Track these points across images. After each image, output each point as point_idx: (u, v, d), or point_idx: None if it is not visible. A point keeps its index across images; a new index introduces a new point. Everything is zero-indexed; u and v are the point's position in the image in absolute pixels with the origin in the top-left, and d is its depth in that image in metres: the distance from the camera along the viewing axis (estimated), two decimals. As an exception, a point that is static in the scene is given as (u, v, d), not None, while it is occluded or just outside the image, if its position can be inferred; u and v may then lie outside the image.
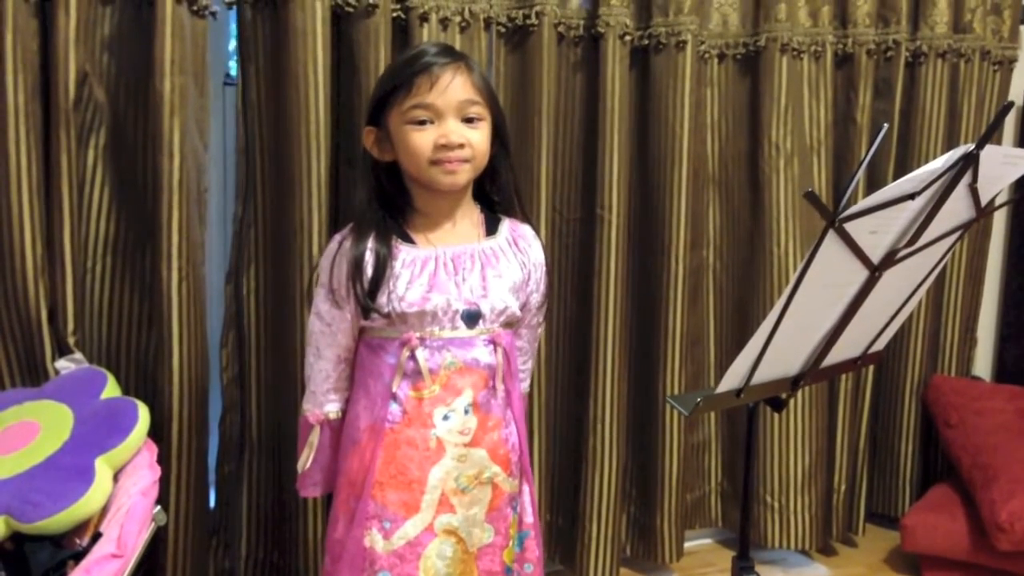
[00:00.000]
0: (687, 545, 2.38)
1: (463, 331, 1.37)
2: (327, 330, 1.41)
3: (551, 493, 2.23)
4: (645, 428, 2.28)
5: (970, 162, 1.09)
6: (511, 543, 1.44)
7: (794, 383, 1.33)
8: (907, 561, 2.39)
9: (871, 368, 2.45)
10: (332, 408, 1.45)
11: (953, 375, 2.61)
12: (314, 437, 1.46)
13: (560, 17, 2.03)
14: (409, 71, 1.33)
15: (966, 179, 1.12)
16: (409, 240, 1.39)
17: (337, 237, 1.41)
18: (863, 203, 1.06)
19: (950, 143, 2.41)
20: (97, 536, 1.36)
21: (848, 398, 2.43)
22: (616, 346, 2.13)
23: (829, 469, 2.44)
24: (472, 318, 1.37)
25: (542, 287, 1.50)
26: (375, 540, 1.35)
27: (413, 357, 1.35)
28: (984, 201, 1.21)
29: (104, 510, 1.40)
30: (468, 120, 1.35)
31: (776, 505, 2.36)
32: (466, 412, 1.37)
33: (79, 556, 1.33)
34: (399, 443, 1.36)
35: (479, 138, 1.36)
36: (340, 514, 1.40)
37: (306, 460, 1.46)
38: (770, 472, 2.36)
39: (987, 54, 2.47)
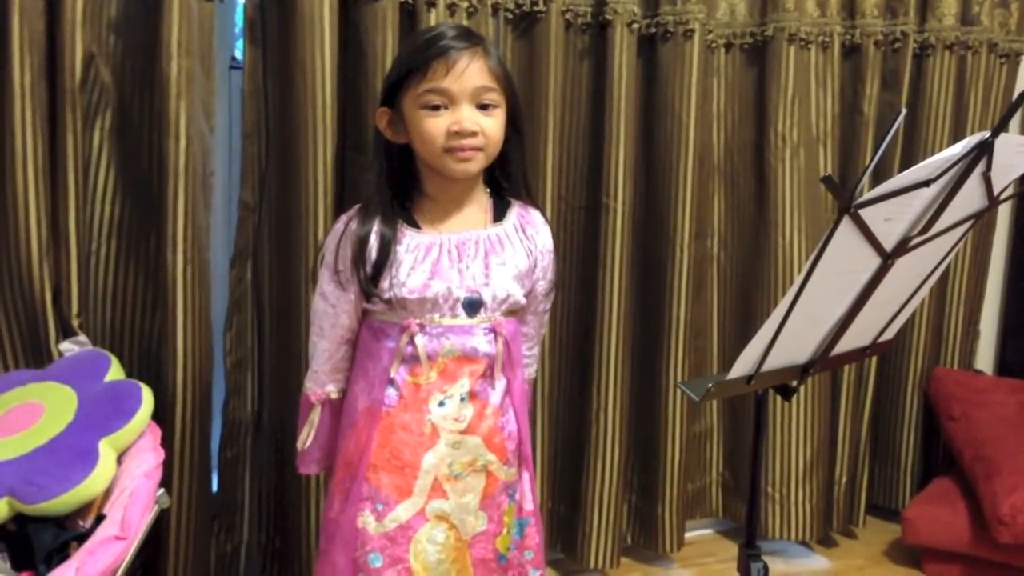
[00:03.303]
0: (688, 535, 2.39)
1: (463, 319, 1.36)
2: (331, 310, 1.40)
3: (553, 481, 2.23)
4: (647, 418, 2.28)
5: (985, 150, 1.08)
6: (506, 530, 1.43)
7: (804, 371, 1.33)
8: (907, 553, 2.39)
9: (874, 360, 2.45)
10: (333, 388, 1.45)
11: (956, 368, 2.61)
12: (314, 416, 1.46)
13: (568, 4, 2.02)
14: (426, 54, 1.30)
15: (980, 167, 1.12)
16: (415, 225, 1.38)
17: (343, 218, 1.40)
18: (879, 189, 1.06)
19: (956, 135, 2.41)
20: (100, 518, 1.36)
21: (850, 390, 2.43)
22: (619, 335, 2.13)
23: (830, 461, 2.44)
24: (473, 306, 1.36)
25: (549, 274, 1.48)
26: (367, 521, 1.35)
27: (412, 343, 1.35)
28: (996, 190, 1.21)
29: (107, 492, 1.40)
30: (483, 107, 1.32)
31: (777, 496, 2.37)
32: (462, 400, 1.37)
33: (82, 538, 1.32)
34: (394, 427, 1.36)
35: (493, 126, 1.33)
36: (336, 493, 1.41)
37: (306, 438, 1.47)
38: (771, 463, 2.36)
39: (994, 47, 2.47)
